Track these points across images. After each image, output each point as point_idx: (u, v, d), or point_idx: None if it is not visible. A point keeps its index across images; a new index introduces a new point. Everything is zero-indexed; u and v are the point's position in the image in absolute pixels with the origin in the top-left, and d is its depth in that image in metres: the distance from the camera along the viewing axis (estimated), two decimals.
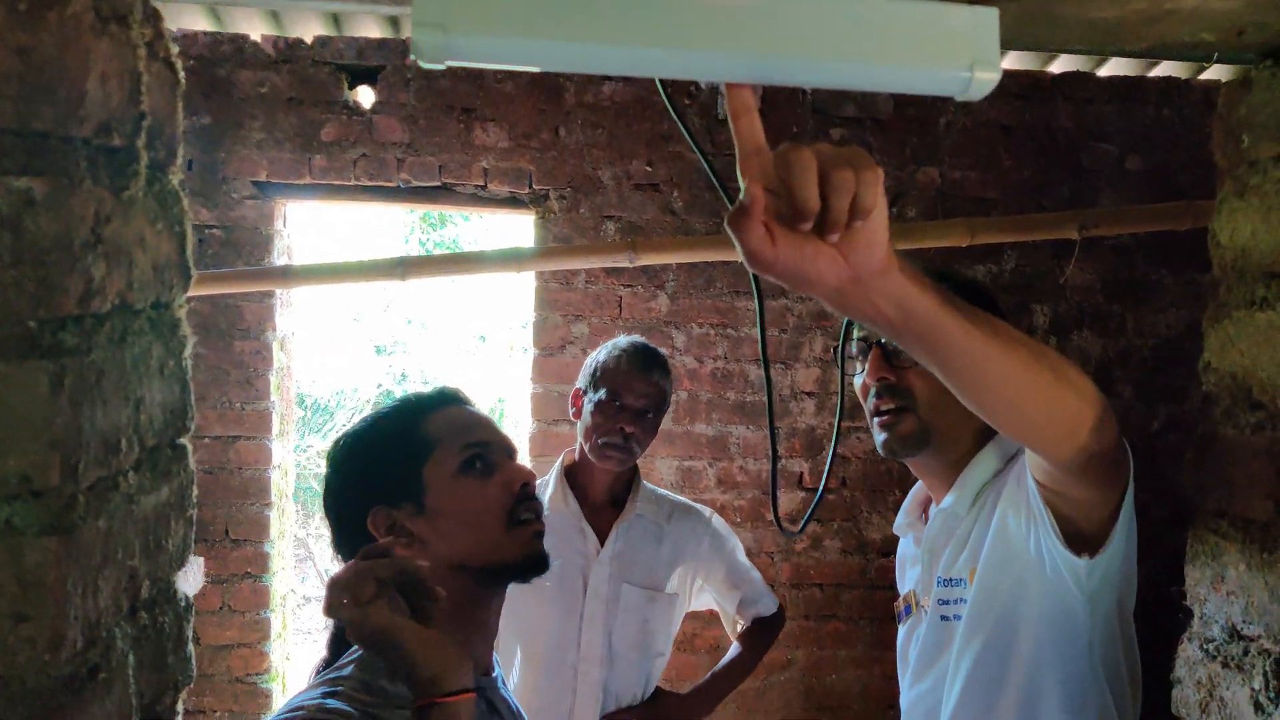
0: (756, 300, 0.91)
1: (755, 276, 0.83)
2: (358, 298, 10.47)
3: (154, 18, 0.75)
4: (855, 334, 1.49)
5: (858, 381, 1.49)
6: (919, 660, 1.45)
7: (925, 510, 1.59)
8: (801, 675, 3.33)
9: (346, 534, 1.20)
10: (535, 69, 0.76)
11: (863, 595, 3.36)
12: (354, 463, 1.21)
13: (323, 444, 8.85)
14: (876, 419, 1.43)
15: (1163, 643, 1.44)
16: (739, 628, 2.26)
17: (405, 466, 1.17)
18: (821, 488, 1.28)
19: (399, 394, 1.34)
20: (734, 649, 2.25)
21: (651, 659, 2.09)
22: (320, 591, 7.69)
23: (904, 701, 1.52)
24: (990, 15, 0.74)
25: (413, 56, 0.70)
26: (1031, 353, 0.91)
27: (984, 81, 0.73)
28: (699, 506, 2.24)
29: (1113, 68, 3.38)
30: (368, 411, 1.29)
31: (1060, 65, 3.37)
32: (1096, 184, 3.37)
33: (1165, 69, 3.39)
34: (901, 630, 1.56)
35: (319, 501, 1.28)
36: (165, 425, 0.78)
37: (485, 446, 1.20)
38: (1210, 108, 3.36)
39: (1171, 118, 3.38)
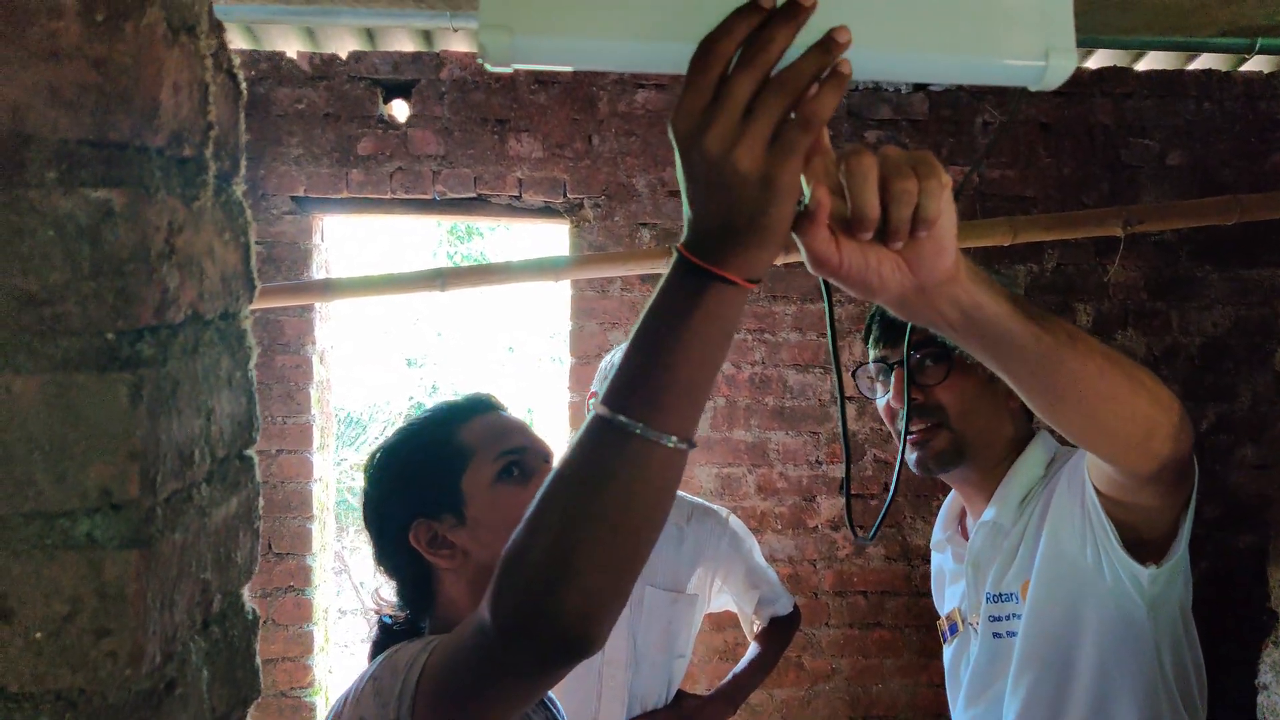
0: (826, 303, 0.90)
1: (825, 280, 0.82)
2: (388, 311, 10.55)
3: (218, 29, 0.75)
4: (872, 354, 1.46)
5: (880, 403, 1.46)
6: (974, 681, 1.41)
7: (962, 523, 1.56)
8: (847, 684, 3.30)
9: (388, 547, 1.20)
10: (600, 69, 0.75)
11: (908, 603, 3.32)
12: (392, 476, 1.21)
13: (356, 457, 8.91)
14: (908, 437, 1.39)
15: (1217, 640, 1.41)
16: (756, 628, 2.27)
17: (443, 478, 1.17)
18: (893, 492, 1.26)
19: (432, 404, 1.33)
20: (753, 649, 2.26)
21: (674, 660, 2.10)
22: (355, 605, 7.73)
23: (956, 713, 1.48)
24: (1064, 2, 0.72)
25: (480, 60, 0.69)
26: (1107, 359, 0.89)
27: (1060, 69, 0.72)
28: (716, 507, 2.26)
29: (1150, 61, 3.34)
30: (401, 423, 1.28)
31: (1098, 60, 3.33)
32: (1137, 180, 3.32)
33: (1205, 61, 3.34)
34: (948, 650, 1.53)
35: (353, 515, 1.29)
36: (234, 437, 0.78)
37: (521, 452, 1.19)
38: (1252, 100, 3.31)
39: (1213, 111, 3.33)
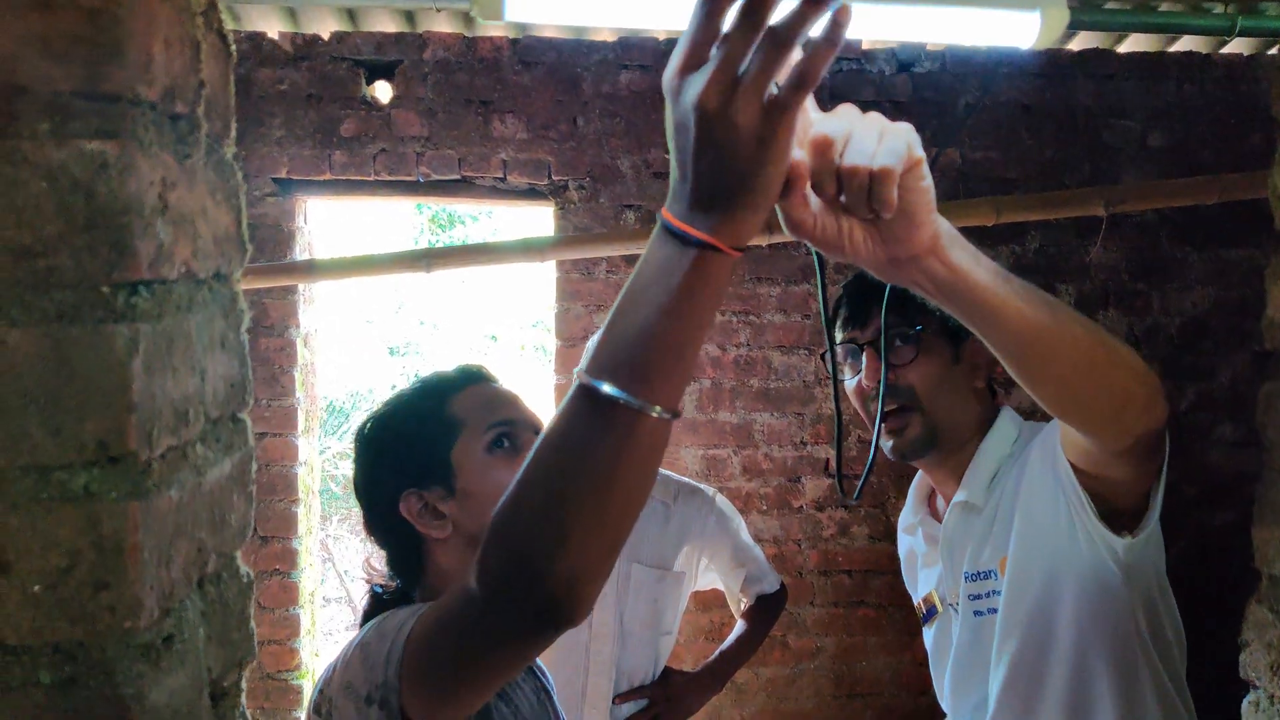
0: (817, 266, 0.90)
1: (817, 253, 0.82)
2: (370, 300, 10.50)
3: None
4: (841, 336, 1.44)
5: (850, 385, 1.45)
6: (960, 662, 1.42)
7: (931, 504, 1.56)
8: (831, 662, 3.32)
9: (379, 517, 1.20)
10: (589, 24, 0.75)
11: (891, 581, 3.34)
12: (383, 447, 1.21)
13: (340, 445, 8.88)
14: (882, 424, 1.38)
15: (1200, 615, 1.42)
16: (743, 605, 2.29)
17: (433, 449, 1.17)
18: (872, 455, 1.27)
19: (422, 375, 1.33)
20: (739, 627, 2.28)
21: (660, 637, 2.12)
22: (340, 593, 7.72)
23: (948, 704, 1.49)
24: None
25: (472, 11, 0.69)
26: (1086, 331, 0.90)
27: (1054, 23, 0.72)
28: (702, 486, 2.27)
29: (1132, 43, 3.36)
30: (392, 393, 1.29)
31: (1080, 42, 3.35)
32: (1118, 162, 3.35)
33: (1186, 44, 3.36)
34: (928, 633, 1.53)
35: (337, 504, 1.29)
36: (227, 398, 0.78)
37: (511, 424, 1.19)
38: (1232, 82, 3.33)
39: (1194, 93, 3.35)
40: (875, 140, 0.68)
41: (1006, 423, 1.40)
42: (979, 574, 1.38)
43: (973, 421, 1.40)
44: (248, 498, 0.84)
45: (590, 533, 0.70)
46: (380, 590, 1.18)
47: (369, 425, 1.23)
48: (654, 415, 0.68)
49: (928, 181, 0.71)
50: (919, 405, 1.37)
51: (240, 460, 0.81)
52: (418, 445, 1.18)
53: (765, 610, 2.27)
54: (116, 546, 0.60)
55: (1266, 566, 0.93)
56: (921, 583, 1.55)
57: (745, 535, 2.27)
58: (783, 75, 0.64)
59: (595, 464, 0.69)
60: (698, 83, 0.62)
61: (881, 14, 0.69)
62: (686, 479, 2.28)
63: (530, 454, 0.73)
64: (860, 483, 1.38)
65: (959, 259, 0.77)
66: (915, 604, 1.58)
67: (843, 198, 0.69)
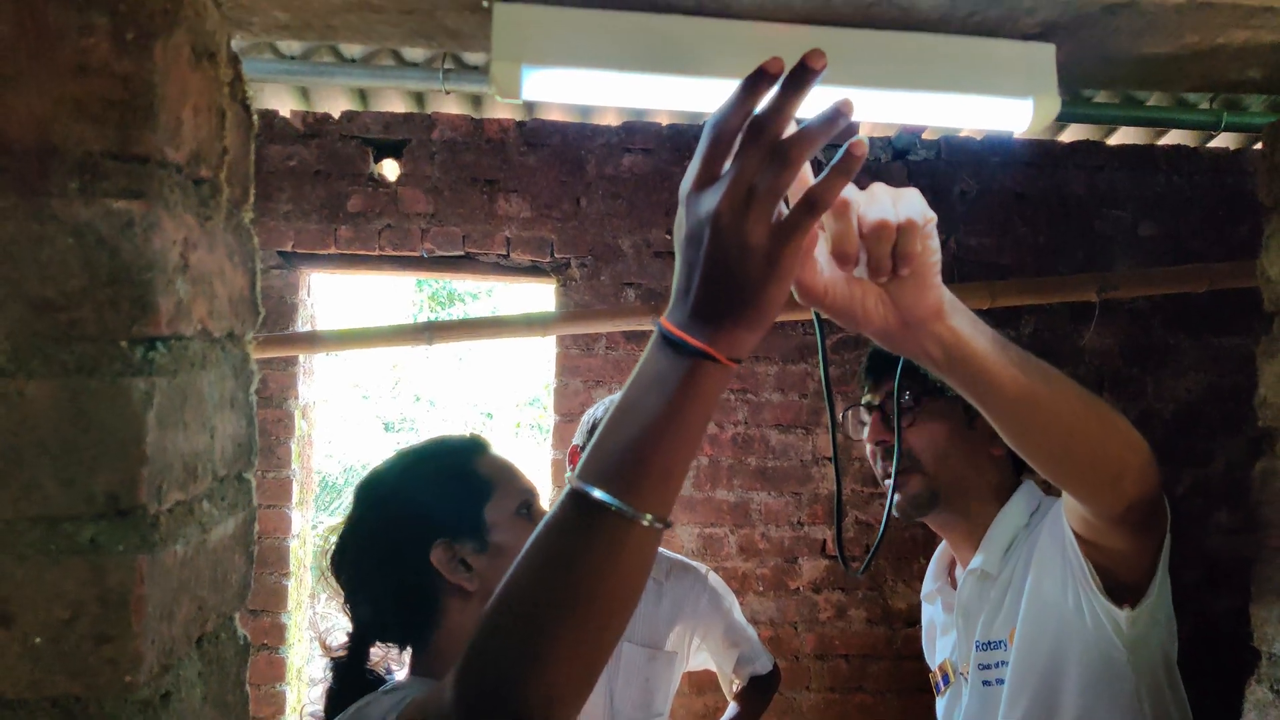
0: (818, 333, 0.92)
1: (817, 316, 0.84)
2: (367, 376, 10.52)
3: (235, 61, 0.78)
4: (863, 398, 1.50)
5: (868, 448, 1.50)
6: None
7: (951, 574, 1.57)
8: None
9: (398, 568, 1.17)
10: (603, 104, 0.78)
11: (890, 667, 3.29)
12: (412, 496, 1.20)
13: (332, 520, 8.79)
14: (888, 483, 1.43)
15: (1204, 699, 1.41)
16: (735, 687, 2.25)
17: (468, 504, 1.18)
18: (884, 524, 1.27)
19: (428, 438, 1.34)
20: (731, 709, 2.25)
21: (651, 719, 2.07)
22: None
23: None
24: (1047, 50, 0.76)
25: (490, 90, 0.72)
26: (1081, 400, 0.92)
27: (1045, 111, 0.76)
28: (694, 564, 2.25)
29: (1122, 136, 3.45)
30: (398, 453, 1.29)
31: (1071, 134, 3.43)
32: (1111, 249, 3.41)
33: (1174, 137, 3.45)
34: (940, 703, 1.52)
35: (327, 580, 1.27)
36: (234, 457, 0.78)
37: (532, 495, 1.23)
38: (1219, 174, 3.42)
39: (1182, 184, 3.43)
40: (891, 200, 0.71)
41: (1025, 494, 1.42)
42: (990, 644, 1.38)
43: (987, 487, 1.42)
44: (248, 558, 0.84)
45: (570, 651, 0.68)
46: (339, 665, 1.16)
47: (386, 479, 1.22)
48: (644, 523, 0.67)
49: (936, 242, 0.73)
50: (919, 466, 1.41)
51: (243, 520, 0.82)
52: (452, 497, 1.17)
53: (758, 692, 2.23)
54: (121, 600, 0.60)
55: (1265, 645, 0.92)
56: (938, 652, 1.55)
57: (738, 614, 2.24)
58: (794, 197, 0.65)
59: (578, 575, 0.68)
60: (713, 197, 0.64)
61: (878, 99, 0.72)
62: (679, 556, 2.26)
63: (515, 563, 0.71)
64: (870, 555, 1.39)
65: (961, 324, 0.79)
66: (931, 673, 1.56)
67: (863, 257, 0.71)
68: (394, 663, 1.21)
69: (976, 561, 1.40)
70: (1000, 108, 0.75)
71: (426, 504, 1.17)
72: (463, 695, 0.73)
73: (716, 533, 3.26)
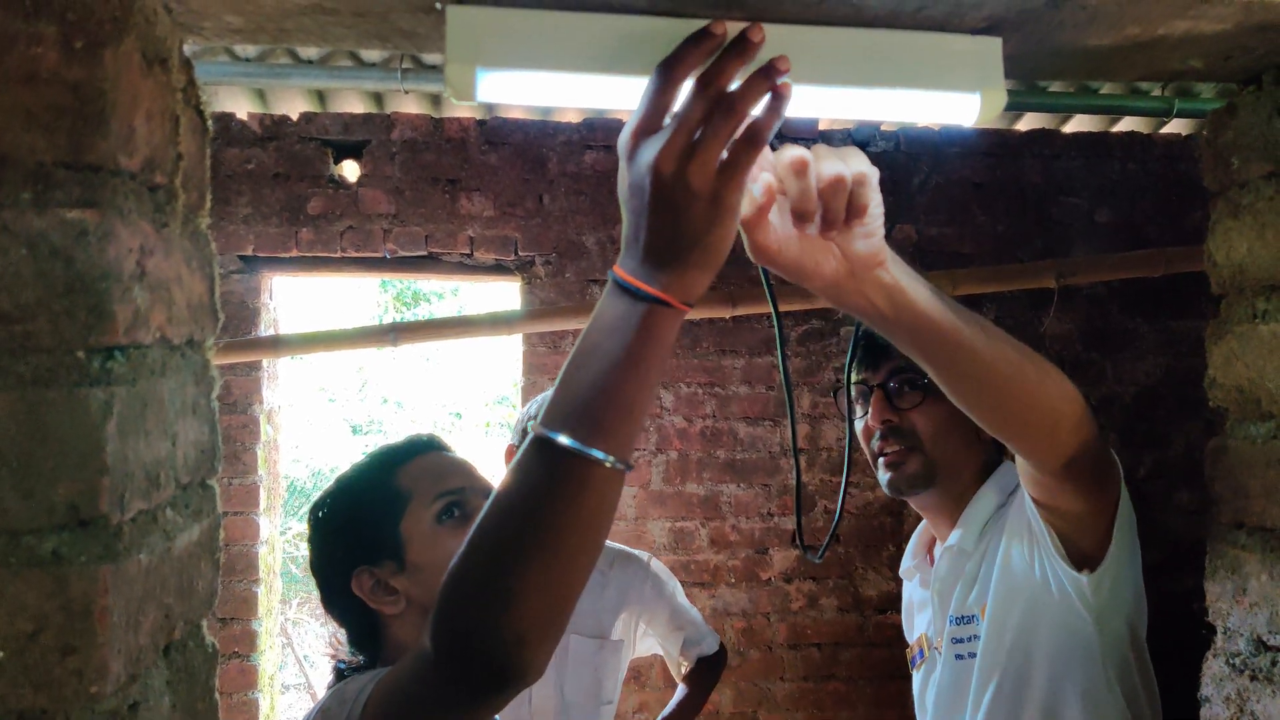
0: (769, 294, 0.93)
1: (766, 274, 0.86)
2: (334, 379, 10.43)
3: (188, 66, 0.78)
4: (855, 378, 1.51)
5: (859, 425, 1.51)
6: (939, 703, 1.43)
7: (930, 551, 1.59)
8: None
9: (334, 596, 1.19)
10: (558, 104, 0.79)
11: (861, 654, 3.32)
12: (333, 526, 1.20)
13: (301, 526, 8.72)
14: (882, 459, 1.44)
15: (1173, 681, 1.44)
16: (683, 669, 2.29)
17: (382, 524, 1.16)
18: (840, 507, 1.29)
19: (374, 448, 1.34)
20: (680, 691, 2.28)
21: (601, 707, 2.11)
22: (299, 679, 7.50)
23: None
24: (993, 44, 0.78)
25: (446, 93, 0.72)
26: (1016, 350, 0.95)
27: (992, 104, 0.77)
28: (636, 552, 2.28)
29: (1077, 124, 3.50)
30: (344, 469, 1.28)
31: (1027, 123, 3.48)
32: (1068, 236, 3.46)
33: (1128, 124, 3.51)
34: (916, 677, 1.55)
35: (298, 586, 1.28)
36: (197, 464, 0.78)
37: (460, 493, 1.18)
38: (1172, 161, 3.48)
39: (1136, 171, 3.49)
40: (838, 156, 0.74)
41: (1003, 473, 1.44)
42: (963, 618, 1.40)
43: (976, 467, 1.44)
44: (215, 565, 0.84)
45: (536, 592, 0.70)
46: (344, 666, 1.17)
47: (320, 504, 1.22)
48: (607, 465, 0.69)
49: (879, 194, 0.77)
50: (920, 446, 1.42)
51: (208, 527, 0.81)
52: (366, 521, 1.17)
53: (706, 672, 2.28)
54: (85, 610, 0.60)
55: (1220, 620, 0.95)
56: (915, 627, 1.58)
57: (681, 598, 2.28)
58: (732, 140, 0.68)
59: (547, 516, 0.70)
60: (654, 147, 0.66)
61: (829, 95, 0.74)
62: (622, 546, 2.28)
63: (483, 511, 0.73)
64: (827, 540, 1.41)
65: (901, 274, 0.82)
66: (908, 648, 1.59)
67: (818, 216, 0.74)
68: None
69: (953, 538, 1.43)
70: (949, 101, 0.77)
71: (344, 533, 1.17)
72: (438, 639, 0.75)
73: (687, 526, 3.27)
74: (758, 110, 0.68)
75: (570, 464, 0.69)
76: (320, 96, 3.18)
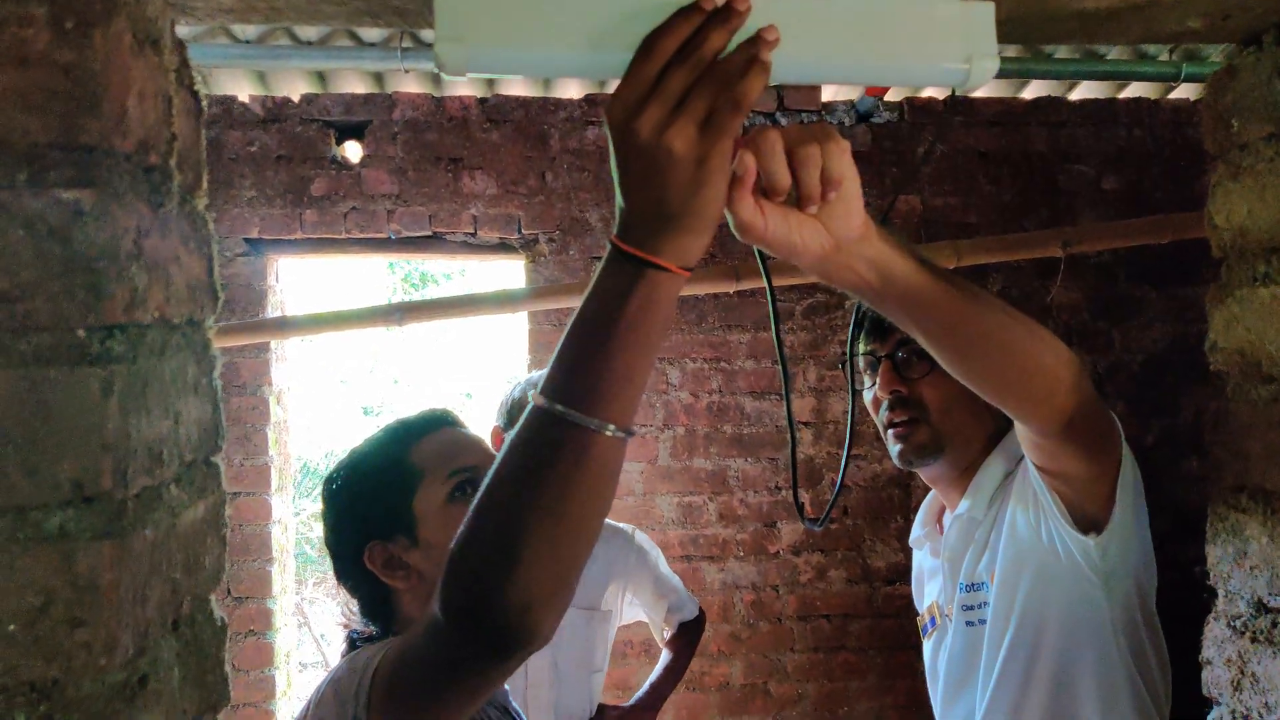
0: (765, 276, 0.94)
1: (760, 254, 0.87)
2: (344, 360, 10.47)
3: (180, 47, 0.78)
4: (862, 349, 1.51)
5: (868, 396, 1.51)
6: (951, 671, 1.44)
7: (940, 520, 1.60)
8: (814, 709, 3.30)
9: (346, 569, 1.20)
10: (548, 76, 0.79)
11: (871, 625, 3.34)
12: (346, 499, 1.21)
13: (314, 506, 8.78)
14: (890, 430, 1.45)
15: (1186, 649, 1.45)
16: (666, 634, 2.38)
17: (395, 500, 1.16)
18: (840, 478, 1.29)
19: (387, 422, 1.34)
20: (665, 656, 2.36)
21: (593, 675, 2.18)
22: (316, 658, 7.58)
23: (939, 714, 1.51)
24: (986, 9, 0.77)
25: (435, 69, 0.72)
26: (1008, 314, 0.95)
27: (982, 71, 0.77)
28: (622, 525, 2.36)
29: (1084, 91, 3.47)
30: (358, 443, 1.28)
31: (1032, 90, 3.45)
32: (1075, 205, 3.44)
33: (1135, 90, 3.48)
34: (928, 645, 1.56)
35: (312, 567, 1.29)
36: (200, 442, 0.79)
37: (474, 470, 1.17)
38: (1179, 126, 3.45)
39: (1143, 137, 3.46)
40: (808, 130, 0.75)
41: (1013, 441, 1.44)
42: (973, 585, 1.41)
43: (983, 437, 1.44)
44: (221, 541, 0.85)
45: (544, 557, 0.71)
46: (356, 636, 1.18)
47: (334, 477, 1.23)
48: (608, 434, 0.70)
49: (854, 166, 0.77)
50: (928, 417, 1.43)
51: (213, 503, 0.82)
52: (379, 496, 1.17)
53: (688, 636, 2.36)
54: (92, 585, 0.61)
55: (1221, 583, 0.95)
56: (926, 596, 1.59)
57: (664, 567, 2.37)
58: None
59: (551, 485, 0.70)
60: (637, 115, 0.67)
61: (819, 62, 0.75)
62: (607, 520, 2.33)
63: (487, 477, 0.74)
64: (828, 508, 1.43)
65: (891, 244, 0.83)
66: (919, 617, 1.61)
67: (793, 190, 0.75)
68: None
69: (963, 507, 1.44)
70: (941, 66, 0.76)
71: (357, 507, 1.18)
72: (448, 606, 0.76)
73: (695, 501, 3.29)
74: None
75: (572, 433, 0.70)
76: (321, 77, 3.18)
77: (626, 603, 2.29)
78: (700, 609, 2.40)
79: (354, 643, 1.16)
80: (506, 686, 1.23)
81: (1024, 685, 1.30)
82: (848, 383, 1.49)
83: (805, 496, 3.34)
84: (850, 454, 3.31)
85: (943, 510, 1.58)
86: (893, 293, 0.84)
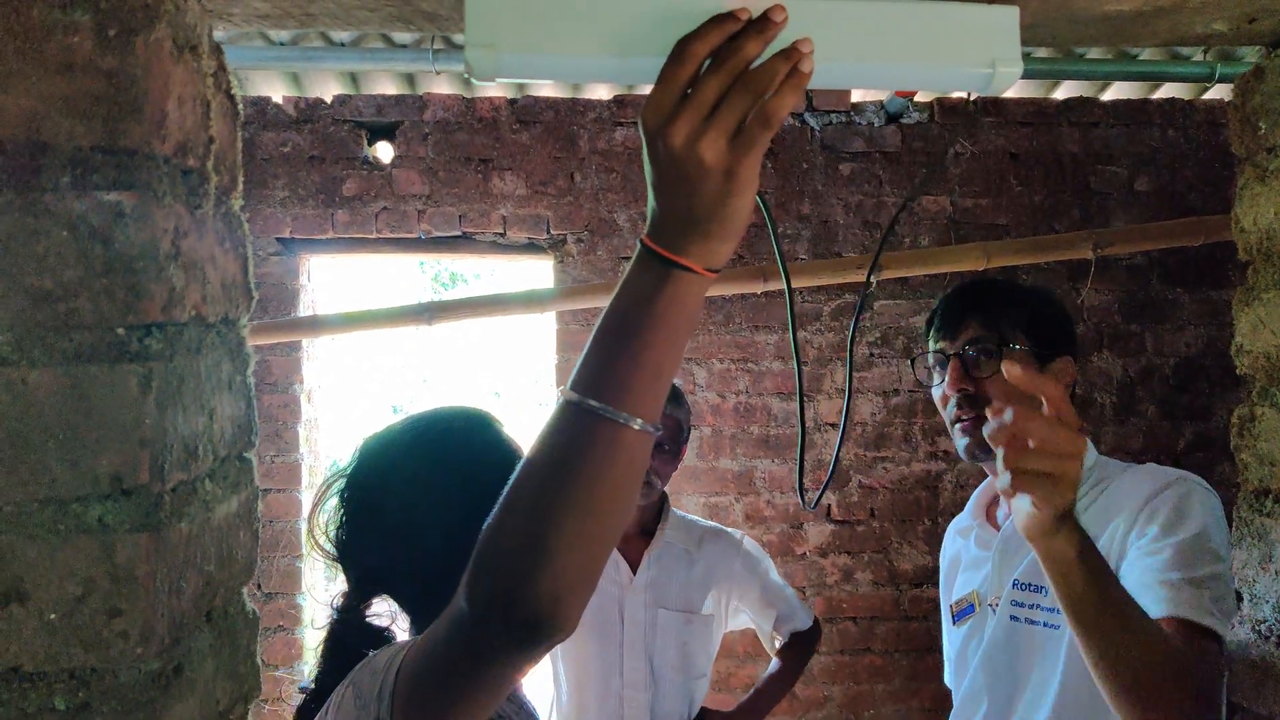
0: (784, 276, 0.94)
1: (780, 257, 0.88)
2: (374, 359, 10.56)
3: (218, 51, 0.80)
4: (932, 346, 1.53)
5: (936, 392, 1.53)
6: (987, 661, 1.45)
7: (989, 512, 1.61)
8: (839, 711, 3.29)
9: (428, 530, 1.12)
10: (577, 80, 0.80)
11: (897, 628, 3.33)
12: (449, 460, 1.16)
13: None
14: (958, 425, 1.47)
15: None
16: (776, 644, 2.31)
17: (507, 472, 1.16)
18: (836, 453, 1.30)
19: (432, 408, 1.32)
20: (774, 664, 2.30)
21: (694, 680, 2.14)
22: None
23: (960, 696, 1.52)
24: (1010, 13, 0.78)
25: (465, 74, 0.74)
26: (1133, 647, 1.02)
27: (1006, 76, 0.77)
28: (730, 530, 2.30)
29: (1116, 91, 3.44)
30: (407, 419, 1.25)
31: (1064, 91, 3.43)
32: (1107, 206, 3.41)
33: (1169, 90, 3.44)
34: (957, 630, 1.57)
35: (311, 539, 1.24)
36: (234, 438, 0.81)
37: None
38: (1214, 127, 3.41)
39: (1177, 138, 3.42)
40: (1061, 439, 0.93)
41: (1088, 453, 1.45)
42: (1030, 585, 1.42)
43: None
44: (254, 535, 0.87)
45: (571, 549, 0.72)
46: (341, 616, 1.15)
47: (406, 436, 1.19)
48: (635, 428, 0.71)
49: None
50: None
51: (246, 498, 0.84)
52: (492, 464, 1.12)
53: (799, 647, 2.29)
54: (130, 575, 0.63)
55: (1247, 587, 0.95)
56: (960, 584, 1.59)
57: (774, 575, 2.30)
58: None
59: (579, 477, 0.72)
60: (672, 120, 0.68)
61: (843, 67, 0.75)
62: (713, 524, 2.30)
63: (516, 471, 0.75)
64: (821, 489, 1.46)
65: (1077, 545, 0.98)
66: (947, 605, 1.62)
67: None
68: (397, 629, 1.21)
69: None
70: (967, 71, 0.77)
71: (466, 470, 1.14)
72: (474, 599, 0.76)
73: (722, 501, 3.29)
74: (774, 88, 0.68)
75: (600, 427, 0.71)
76: (353, 78, 3.21)
77: (731, 610, 2.24)
78: (816, 619, 2.33)
79: (343, 632, 1.13)
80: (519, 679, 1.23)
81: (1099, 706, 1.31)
82: (919, 378, 1.51)
83: (832, 498, 3.33)
84: (872, 457, 3.29)
85: (992, 502, 1.60)
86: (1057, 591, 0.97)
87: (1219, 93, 3.45)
